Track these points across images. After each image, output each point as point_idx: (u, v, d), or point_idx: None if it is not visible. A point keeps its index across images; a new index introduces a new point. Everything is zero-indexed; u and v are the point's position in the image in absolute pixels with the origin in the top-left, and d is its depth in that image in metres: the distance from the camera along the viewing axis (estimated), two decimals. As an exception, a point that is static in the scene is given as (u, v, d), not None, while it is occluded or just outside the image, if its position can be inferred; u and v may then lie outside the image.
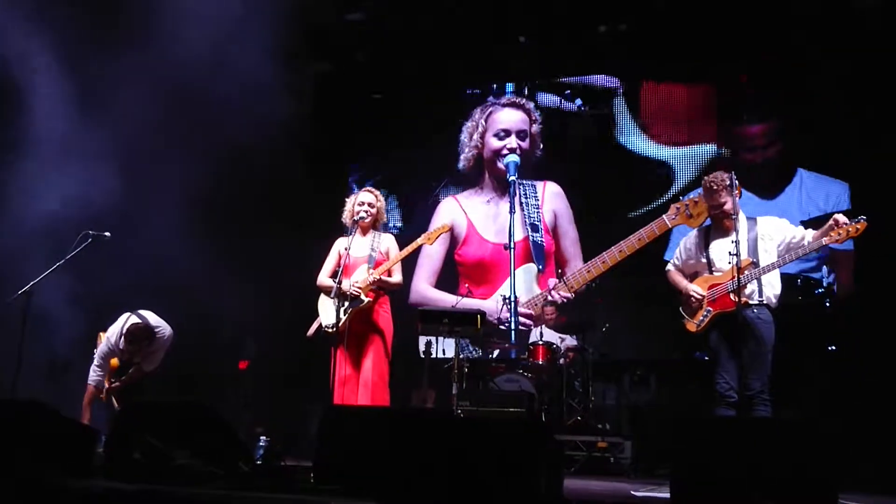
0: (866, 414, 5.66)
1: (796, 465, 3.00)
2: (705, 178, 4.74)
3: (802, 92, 6.88)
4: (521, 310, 6.69)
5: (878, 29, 6.43)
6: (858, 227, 4.39)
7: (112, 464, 3.52)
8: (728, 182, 4.59)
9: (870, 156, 6.42)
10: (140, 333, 5.54)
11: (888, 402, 5.74)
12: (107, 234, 5.66)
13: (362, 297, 4.97)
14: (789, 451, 3.03)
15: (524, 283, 7.26)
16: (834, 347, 6.46)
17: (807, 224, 5.33)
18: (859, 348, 6.24)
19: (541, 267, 7.36)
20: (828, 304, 6.58)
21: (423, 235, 5.11)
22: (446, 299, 7.38)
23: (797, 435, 3.10)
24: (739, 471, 3.05)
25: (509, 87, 8.07)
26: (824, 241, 4.46)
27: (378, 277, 4.96)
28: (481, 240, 7.70)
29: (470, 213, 7.82)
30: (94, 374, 5.67)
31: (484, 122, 7.81)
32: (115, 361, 5.64)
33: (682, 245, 4.97)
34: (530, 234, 7.48)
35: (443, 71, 7.99)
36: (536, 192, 7.63)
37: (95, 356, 5.71)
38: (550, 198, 7.63)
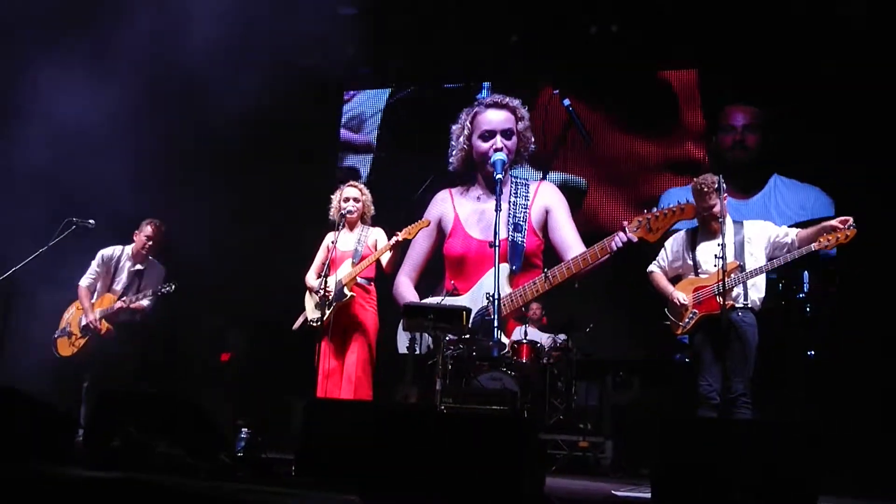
0: (845, 418, 5.70)
1: (777, 467, 3.03)
2: (695, 179, 4.76)
3: (782, 96, 6.93)
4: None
5: (862, 35, 6.47)
6: (848, 233, 4.40)
7: (91, 452, 3.50)
8: (717, 185, 4.62)
9: (849, 160, 6.46)
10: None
11: (867, 407, 5.80)
12: (91, 221, 5.68)
13: (346, 291, 4.97)
14: (770, 453, 3.05)
15: (488, 287, 7.26)
16: (813, 353, 6.50)
17: (799, 225, 5.35)
18: (839, 353, 6.29)
19: (514, 268, 7.33)
20: (808, 309, 6.62)
21: (403, 230, 5.08)
22: (412, 298, 7.46)
23: (778, 438, 3.12)
24: (720, 472, 3.07)
25: (485, 84, 8.08)
26: (813, 246, 4.47)
27: (372, 261, 4.97)
28: (466, 235, 7.69)
29: (458, 208, 7.82)
30: (86, 278, 5.90)
31: (469, 125, 7.75)
32: (109, 297, 5.79)
33: (668, 246, 4.98)
34: (511, 233, 7.48)
35: (426, 66, 8.01)
36: (528, 192, 7.62)
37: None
38: (542, 195, 7.62)
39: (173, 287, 5.73)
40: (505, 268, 7.30)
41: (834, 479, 4.43)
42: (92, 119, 6.24)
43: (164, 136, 6.69)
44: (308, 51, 7.29)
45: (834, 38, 6.61)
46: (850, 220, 4.41)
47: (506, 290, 7.14)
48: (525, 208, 7.58)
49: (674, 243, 4.96)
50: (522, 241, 7.48)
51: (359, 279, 5.10)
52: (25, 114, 6.32)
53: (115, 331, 5.77)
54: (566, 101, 7.80)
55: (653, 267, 5.02)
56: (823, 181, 6.86)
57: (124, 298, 5.75)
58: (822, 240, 4.42)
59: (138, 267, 5.91)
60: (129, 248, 5.95)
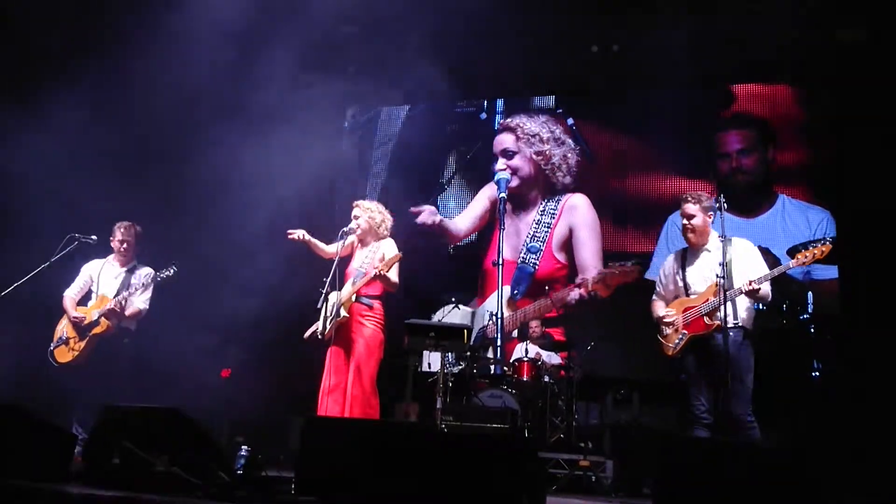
0: (850, 440, 5.67)
1: (779, 489, 3.01)
2: (685, 193, 4.77)
3: (787, 117, 6.96)
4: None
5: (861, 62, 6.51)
6: (823, 249, 4.39)
7: (90, 469, 3.49)
8: (703, 200, 4.61)
9: (853, 182, 6.47)
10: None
11: (871, 429, 5.76)
12: (93, 237, 5.67)
13: (341, 311, 4.94)
14: (772, 475, 3.04)
15: (492, 305, 7.08)
16: (818, 374, 6.47)
17: (794, 248, 5.35)
18: (843, 375, 6.27)
19: (515, 293, 7.25)
20: (812, 330, 6.59)
21: (382, 263, 4.92)
22: None
23: (780, 459, 3.11)
24: (721, 493, 3.05)
25: (499, 103, 8.10)
26: (791, 263, 4.47)
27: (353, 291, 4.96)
28: (494, 246, 7.68)
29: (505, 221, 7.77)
30: (71, 289, 5.84)
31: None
32: (105, 298, 5.71)
33: (661, 271, 4.93)
34: (524, 255, 7.41)
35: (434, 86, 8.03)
36: (556, 208, 7.51)
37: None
38: (567, 211, 7.48)
39: (173, 270, 5.60)
40: (507, 290, 7.25)
41: (838, 501, 4.41)
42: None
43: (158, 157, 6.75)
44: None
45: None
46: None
47: (506, 312, 7.11)
48: (549, 227, 7.46)
49: (665, 267, 4.91)
50: (534, 267, 7.38)
51: (362, 297, 5.06)
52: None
53: (115, 329, 5.70)
54: (570, 121, 7.81)
55: (654, 296, 4.98)
56: (824, 199, 6.88)
57: (117, 298, 5.64)
58: (800, 256, 4.42)
59: (123, 270, 5.84)
60: (110, 257, 5.90)
